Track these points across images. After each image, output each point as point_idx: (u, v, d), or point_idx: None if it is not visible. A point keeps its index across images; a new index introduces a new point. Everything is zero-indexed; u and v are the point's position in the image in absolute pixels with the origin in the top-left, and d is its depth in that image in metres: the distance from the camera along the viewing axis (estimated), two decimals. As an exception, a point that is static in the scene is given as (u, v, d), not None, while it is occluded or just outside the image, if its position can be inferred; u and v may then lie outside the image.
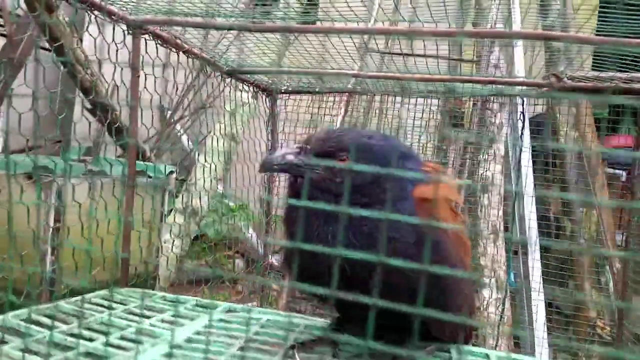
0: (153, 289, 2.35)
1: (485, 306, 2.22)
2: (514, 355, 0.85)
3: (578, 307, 2.57)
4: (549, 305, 2.64)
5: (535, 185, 2.52)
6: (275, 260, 2.58)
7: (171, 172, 2.12)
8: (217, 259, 3.31)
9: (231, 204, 3.63)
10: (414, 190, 0.74)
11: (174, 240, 2.66)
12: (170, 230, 2.68)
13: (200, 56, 1.52)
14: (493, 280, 2.30)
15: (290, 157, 0.72)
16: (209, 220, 3.27)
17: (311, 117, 1.90)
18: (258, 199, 3.20)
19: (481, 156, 2.59)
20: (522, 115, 2.08)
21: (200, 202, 2.73)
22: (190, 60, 1.51)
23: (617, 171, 3.67)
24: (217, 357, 0.71)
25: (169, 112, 3.82)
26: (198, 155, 3.19)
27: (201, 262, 3.21)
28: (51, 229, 1.63)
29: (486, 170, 2.50)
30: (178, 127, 3.94)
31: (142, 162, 2.28)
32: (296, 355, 0.69)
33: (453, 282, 0.70)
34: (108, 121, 1.92)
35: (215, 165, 2.78)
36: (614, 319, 2.36)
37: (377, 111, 2.59)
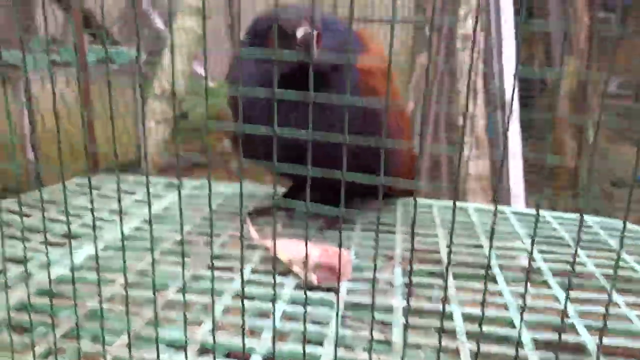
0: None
1: (465, 163, 2.31)
2: (455, 203, 0.93)
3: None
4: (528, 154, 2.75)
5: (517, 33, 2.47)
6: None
7: (138, 56, 2.07)
8: (205, 142, 3.35)
9: (210, 84, 3.59)
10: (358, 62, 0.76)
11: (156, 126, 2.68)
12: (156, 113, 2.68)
13: None
14: (472, 138, 2.37)
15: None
16: (191, 103, 3.26)
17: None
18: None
19: (461, 11, 2.50)
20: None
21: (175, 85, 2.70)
22: None
23: (607, 15, 3.56)
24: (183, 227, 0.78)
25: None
26: (170, 36, 3.08)
27: (190, 146, 3.27)
28: (28, 126, 1.66)
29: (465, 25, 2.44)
30: (145, 4, 3.73)
31: (104, 48, 2.21)
32: (248, 220, 0.77)
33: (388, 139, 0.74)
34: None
35: (188, 45, 2.70)
36: (592, 168, 2.48)
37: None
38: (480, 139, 2.38)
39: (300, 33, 0.66)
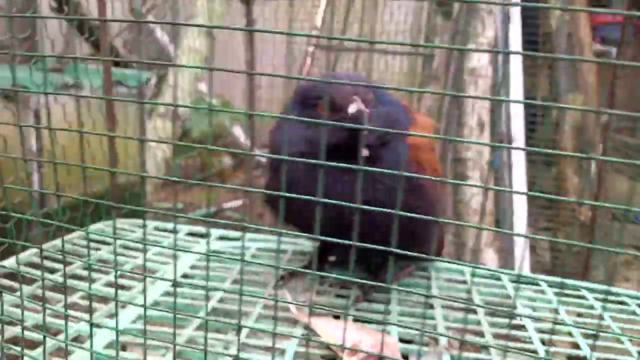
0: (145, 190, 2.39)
1: (469, 198, 2.31)
2: (491, 268, 0.91)
3: (558, 192, 2.70)
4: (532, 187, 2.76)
5: (523, 69, 2.48)
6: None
7: (148, 80, 2.05)
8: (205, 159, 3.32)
9: (214, 101, 3.56)
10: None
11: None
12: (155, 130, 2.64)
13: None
14: (477, 172, 2.37)
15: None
16: (193, 120, 3.24)
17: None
18: (242, 95, 3.12)
19: (470, 45, 2.51)
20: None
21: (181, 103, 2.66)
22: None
23: (608, 48, 3.60)
24: (214, 293, 0.75)
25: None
26: (175, 51, 3.04)
27: (188, 161, 3.24)
28: (35, 150, 1.62)
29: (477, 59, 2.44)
30: (150, 17, 3.69)
31: (116, 71, 2.18)
32: (285, 289, 0.75)
33: (427, 213, 0.72)
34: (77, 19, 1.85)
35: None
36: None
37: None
38: (485, 173, 2.38)
39: (352, 110, 0.64)
